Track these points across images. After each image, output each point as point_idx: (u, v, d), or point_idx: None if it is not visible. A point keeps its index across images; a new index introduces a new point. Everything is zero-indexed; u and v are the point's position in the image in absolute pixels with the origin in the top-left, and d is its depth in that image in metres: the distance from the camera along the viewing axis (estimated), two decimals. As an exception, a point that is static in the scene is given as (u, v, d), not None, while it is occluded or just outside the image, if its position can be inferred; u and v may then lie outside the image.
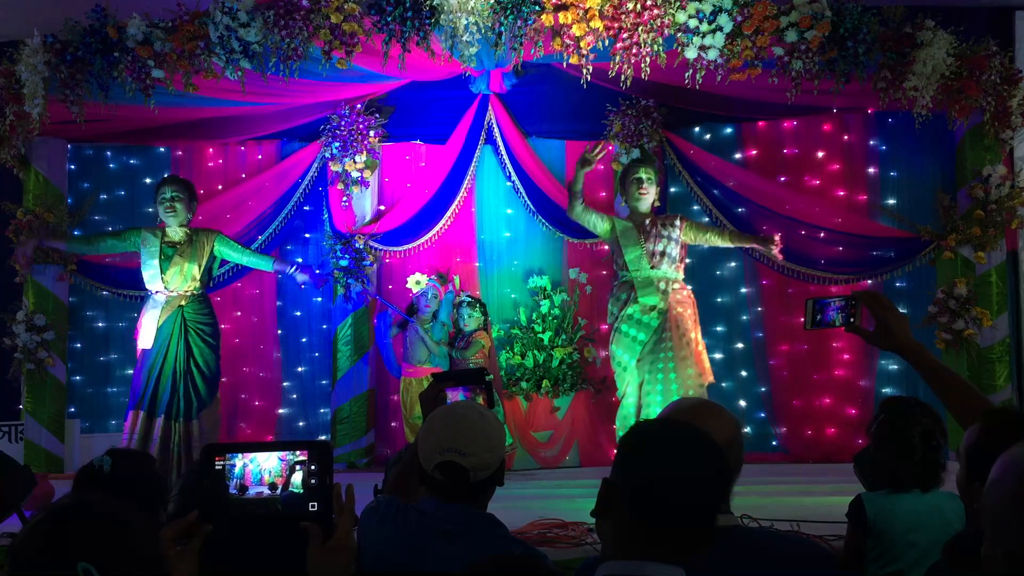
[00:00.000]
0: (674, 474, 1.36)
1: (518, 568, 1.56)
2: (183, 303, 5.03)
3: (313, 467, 1.54)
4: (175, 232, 5.12)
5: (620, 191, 5.31)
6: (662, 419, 1.79)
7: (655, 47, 5.25)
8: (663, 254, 5.10)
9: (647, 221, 5.20)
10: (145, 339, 5.05)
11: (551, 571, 1.64)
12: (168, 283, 5.01)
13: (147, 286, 5.18)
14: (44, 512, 1.24)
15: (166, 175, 5.53)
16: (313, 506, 1.52)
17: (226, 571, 1.50)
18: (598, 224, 5.27)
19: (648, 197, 5.20)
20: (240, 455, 1.53)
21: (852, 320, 1.96)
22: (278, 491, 1.53)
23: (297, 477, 1.53)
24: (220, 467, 1.52)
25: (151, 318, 5.07)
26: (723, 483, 1.42)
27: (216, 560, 1.46)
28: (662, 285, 5.05)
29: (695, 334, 5.09)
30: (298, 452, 1.54)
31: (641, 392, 5.01)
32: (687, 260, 5.41)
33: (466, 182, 6.69)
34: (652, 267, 5.10)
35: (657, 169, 5.52)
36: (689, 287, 5.28)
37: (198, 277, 5.08)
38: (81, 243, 5.71)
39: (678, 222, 5.25)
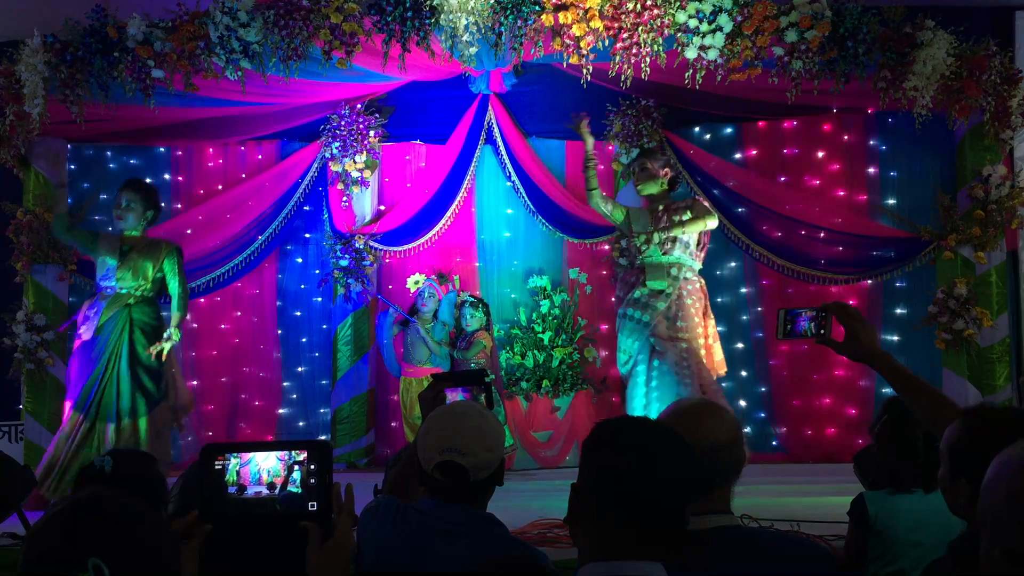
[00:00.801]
0: (638, 469, 1.37)
1: (522, 569, 1.56)
2: (131, 302, 4.99)
3: (313, 467, 1.53)
4: (131, 233, 5.12)
5: (635, 181, 5.32)
6: (624, 417, 1.80)
7: (655, 47, 5.25)
8: (674, 240, 4.99)
9: (660, 207, 5.13)
10: (87, 331, 4.99)
11: (553, 572, 1.64)
12: (120, 279, 4.97)
13: (98, 281, 5.13)
14: (62, 504, 1.25)
15: (129, 179, 5.39)
16: (313, 506, 1.52)
17: (225, 571, 1.50)
18: (614, 213, 5.26)
19: (649, 185, 5.17)
20: (239, 455, 1.53)
21: (823, 332, 2.00)
22: (276, 491, 1.53)
23: (295, 477, 1.53)
24: (219, 467, 1.52)
25: (95, 311, 5.00)
26: (691, 479, 1.42)
27: (215, 560, 1.46)
28: (673, 271, 4.95)
29: (703, 328, 4.99)
30: (297, 452, 1.54)
31: (648, 390, 4.87)
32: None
33: (466, 182, 6.69)
34: (663, 253, 4.99)
35: (657, 156, 5.40)
36: (702, 281, 5.11)
37: (150, 277, 5.02)
38: (62, 229, 5.31)
39: (686, 211, 5.05)
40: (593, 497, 1.38)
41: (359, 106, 6.59)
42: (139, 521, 1.22)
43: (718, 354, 5.08)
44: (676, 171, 5.90)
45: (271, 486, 1.52)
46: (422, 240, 6.67)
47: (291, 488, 1.52)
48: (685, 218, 5.01)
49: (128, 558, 1.18)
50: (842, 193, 6.49)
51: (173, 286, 5.10)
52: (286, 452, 1.54)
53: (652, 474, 1.36)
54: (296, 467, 1.53)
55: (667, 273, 4.96)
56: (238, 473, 1.52)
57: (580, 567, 1.39)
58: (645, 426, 1.48)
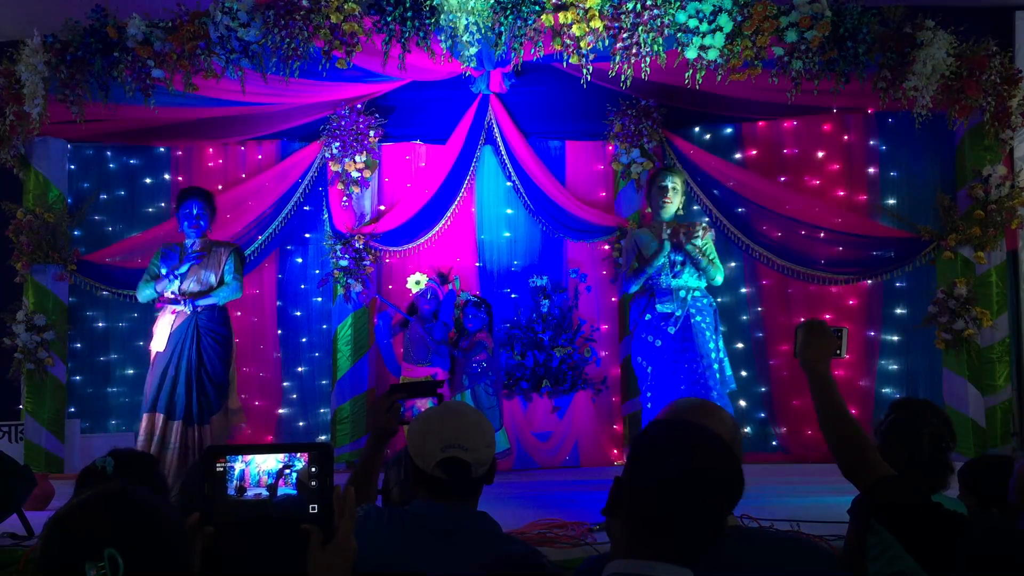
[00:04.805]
0: (685, 475, 1.37)
1: (523, 568, 1.57)
2: (198, 310, 5.06)
3: (314, 469, 1.53)
4: (195, 244, 5.14)
5: (647, 198, 5.27)
6: (674, 420, 1.79)
7: (655, 47, 5.25)
8: (684, 263, 5.03)
9: (669, 230, 5.07)
10: (158, 343, 5.07)
11: (551, 570, 1.64)
12: (184, 291, 5.05)
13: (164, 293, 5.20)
14: (88, 495, 1.25)
15: (191, 187, 5.44)
16: (314, 508, 1.52)
17: (226, 573, 1.50)
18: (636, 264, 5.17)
19: (672, 205, 5.08)
20: (240, 457, 1.53)
21: (838, 352, 2.05)
22: (275, 493, 1.53)
23: (291, 479, 1.53)
24: (221, 469, 1.52)
25: (165, 323, 5.08)
26: (734, 485, 1.42)
27: (216, 562, 1.46)
28: (682, 293, 4.99)
29: (715, 343, 5.03)
30: (297, 454, 1.54)
31: (655, 408, 4.96)
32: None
33: (466, 182, 6.68)
34: (674, 276, 5.02)
35: (684, 178, 5.46)
36: (710, 297, 5.14)
37: (214, 285, 5.11)
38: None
39: (700, 231, 5.08)
40: (635, 495, 1.38)
41: (359, 106, 6.58)
42: (164, 517, 1.23)
43: (727, 370, 5.10)
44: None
45: (271, 488, 1.53)
46: (422, 240, 6.67)
47: (287, 490, 1.52)
48: (698, 242, 5.02)
49: (149, 553, 1.18)
50: (842, 193, 6.49)
51: (227, 280, 5.23)
52: (286, 454, 1.54)
53: (699, 488, 1.37)
54: (287, 470, 1.53)
55: (676, 296, 5.00)
56: (239, 475, 1.52)
57: (611, 559, 1.40)
58: (701, 436, 1.47)
